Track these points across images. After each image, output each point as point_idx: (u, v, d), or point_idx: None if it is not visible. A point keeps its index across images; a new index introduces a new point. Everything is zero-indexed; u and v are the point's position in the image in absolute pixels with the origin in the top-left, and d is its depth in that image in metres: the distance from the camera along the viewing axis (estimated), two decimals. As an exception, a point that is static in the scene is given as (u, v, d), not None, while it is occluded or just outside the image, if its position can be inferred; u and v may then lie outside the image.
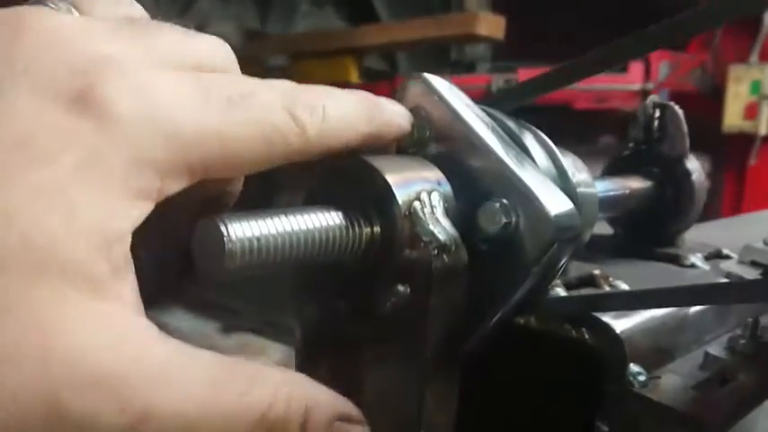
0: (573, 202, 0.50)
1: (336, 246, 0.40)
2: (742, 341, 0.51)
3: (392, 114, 0.45)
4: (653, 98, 0.68)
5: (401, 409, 0.43)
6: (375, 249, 0.42)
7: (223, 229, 0.35)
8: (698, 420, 0.44)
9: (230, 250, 0.35)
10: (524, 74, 2.76)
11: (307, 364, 0.47)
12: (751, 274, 0.47)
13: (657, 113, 0.67)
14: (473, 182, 0.44)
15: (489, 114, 0.48)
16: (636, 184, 0.67)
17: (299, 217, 0.38)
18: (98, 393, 0.29)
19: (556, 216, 0.42)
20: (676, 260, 0.65)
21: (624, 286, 0.56)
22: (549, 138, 0.51)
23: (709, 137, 3.04)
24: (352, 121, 0.41)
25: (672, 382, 0.49)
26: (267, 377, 0.34)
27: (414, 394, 0.42)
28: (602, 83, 3.01)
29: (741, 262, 0.49)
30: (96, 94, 0.32)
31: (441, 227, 0.41)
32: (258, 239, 0.36)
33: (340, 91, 0.42)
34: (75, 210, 0.30)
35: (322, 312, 0.46)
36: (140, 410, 0.29)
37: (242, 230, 0.35)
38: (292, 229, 0.38)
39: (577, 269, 0.57)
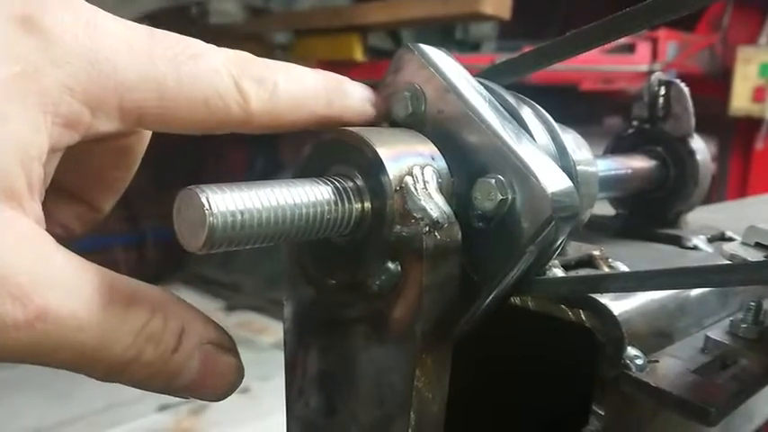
0: (572, 180, 0.49)
1: (325, 221, 0.38)
2: (743, 325, 0.50)
3: (355, 99, 0.44)
4: (658, 75, 0.66)
5: (392, 388, 0.41)
6: (365, 225, 0.40)
7: (205, 201, 0.33)
8: (697, 405, 0.43)
9: (212, 224, 0.33)
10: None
11: (297, 341, 0.46)
12: (755, 255, 0.45)
13: (662, 91, 0.65)
14: (469, 157, 0.42)
15: (487, 87, 0.46)
16: (638, 163, 0.65)
17: (285, 191, 0.37)
18: (1, 290, 0.31)
19: (553, 193, 0.40)
20: (678, 242, 0.64)
21: (623, 268, 0.55)
22: (555, 119, 0.49)
23: (716, 120, 3.01)
24: (307, 101, 0.41)
25: (671, 365, 0.47)
26: (148, 294, 0.37)
27: (404, 374, 0.41)
28: (609, 63, 2.97)
29: (744, 243, 0.47)
30: (47, 19, 0.34)
31: (433, 203, 0.39)
32: (242, 213, 0.34)
33: (301, 69, 0.42)
34: (4, 119, 0.32)
35: (312, 290, 0.44)
36: (39, 308, 0.32)
37: (225, 203, 0.34)
38: (278, 204, 0.36)
39: (576, 250, 0.55)
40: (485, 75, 0.50)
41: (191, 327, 0.38)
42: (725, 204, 0.91)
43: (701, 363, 0.48)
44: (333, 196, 0.39)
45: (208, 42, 0.39)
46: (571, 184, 0.42)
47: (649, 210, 0.67)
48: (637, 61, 2.91)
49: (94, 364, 0.35)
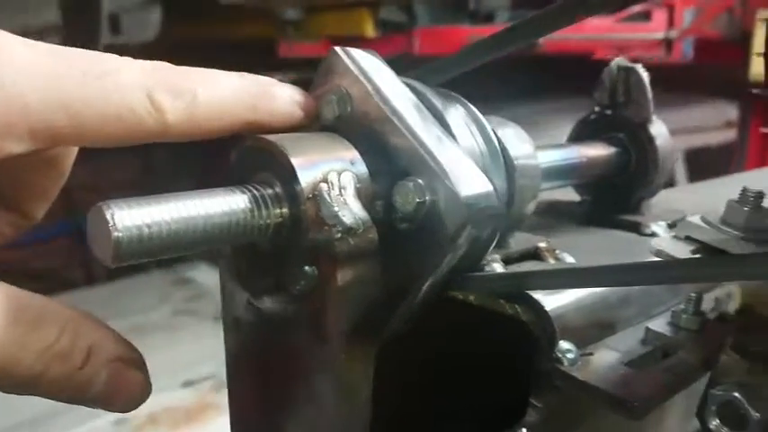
0: (509, 175, 0.50)
1: (241, 229, 0.40)
2: (684, 316, 0.50)
3: (282, 103, 0.44)
4: (618, 61, 0.65)
5: (318, 388, 0.43)
6: (285, 231, 0.41)
7: (109, 217, 0.35)
8: (621, 398, 0.43)
9: (117, 239, 0.35)
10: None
11: (236, 344, 0.47)
12: (683, 250, 0.45)
13: (622, 77, 0.65)
14: (391, 160, 0.43)
15: (414, 89, 0.46)
16: (598, 150, 0.65)
17: (197, 201, 0.38)
18: None
19: (467, 197, 0.41)
20: (637, 228, 0.64)
21: (570, 259, 0.55)
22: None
23: (736, 86, 2.94)
24: (231, 108, 0.42)
25: (605, 358, 0.48)
26: (57, 313, 0.38)
27: (327, 374, 0.42)
28: (624, 32, 2.92)
29: (676, 237, 0.47)
30: None
31: (347, 209, 0.40)
32: (149, 227, 0.36)
33: (226, 76, 0.42)
34: None
35: (245, 294, 0.46)
36: None
37: (130, 218, 0.35)
38: (189, 215, 0.37)
39: (524, 241, 0.56)
40: (419, 74, 0.50)
41: (99, 344, 0.40)
42: (709, 183, 0.90)
43: (639, 354, 0.49)
44: (249, 204, 0.40)
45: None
46: (489, 188, 0.42)
47: (612, 196, 0.67)
48: (653, 29, 2.85)
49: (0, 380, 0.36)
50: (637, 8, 2.82)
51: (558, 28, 0.52)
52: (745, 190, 0.46)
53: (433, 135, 0.43)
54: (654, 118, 0.65)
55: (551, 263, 0.55)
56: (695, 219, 0.46)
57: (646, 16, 2.89)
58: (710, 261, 0.42)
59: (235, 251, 0.45)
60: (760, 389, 0.41)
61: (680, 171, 3.51)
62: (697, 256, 0.45)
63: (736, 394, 0.41)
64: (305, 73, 3.06)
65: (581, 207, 0.70)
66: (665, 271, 0.42)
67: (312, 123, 0.47)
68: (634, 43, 2.98)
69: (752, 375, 0.42)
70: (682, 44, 2.84)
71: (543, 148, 0.59)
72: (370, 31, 2.92)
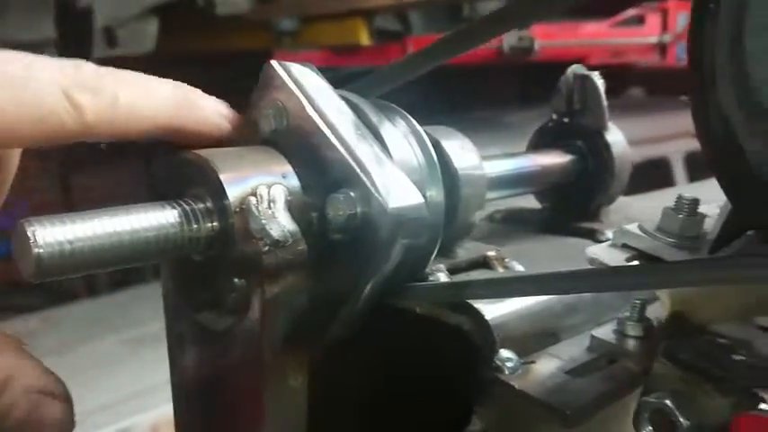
0: (453, 186, 0.50)
1: (171, 244, 0.40)
2: (629, 323, 0.50)
3: (205, 112, 0.45)
4: (574, 68, 0.66)
5: (249, 399, 0.43)
6: (217, 244, 0.42)
7: (31, 234, 0.35)
8: (555, 407, 0.44)
9: (38, 255, 0.35)
10: (539, 30, 2.70)
11: (177, 352, 0.48)
12: (618, 258, 0.46)
13: (578, 85, 0.65)
14: (325, 173, 0.44)
15: (350, 102, 0.47)
16: (555, 158, 0.65)
17: (123, 218, 0.38)
18: None
19: (395, 209, 0.41)
20: (592, 235, 0.64)
21: (519, 268, 0.56)
22: None
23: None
24: (153, 112, 0.42)
25: (547, 366, 0.48)
26: None
27: (257, 385, 0.42)
28: (618, 36, 2.92)
29: (613, 245, 0.47)
30: None
31: (275, 222, 0.41)
32: (71, 243, 0.36)
33: (150, 80, 0.42)
34: None
35: (185, 304, 0.46)
36: None
37: (53, 235, 0.36)
38: (114, 231, 0.38)
39: (475, 250, 0.56)
40: (359, 86, 0.51)
41: (17, 375, 0.39)
42: (680, 188, 0.90)
43: (582, 362, 0.49)
44: (178, 218, 0.40)
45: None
46: (419, 200, 0.43)
47: (570, 203, 0.68)
48: (647, 33, 2.85)
49: None
50: (631, 11, 2.83)
51: (508, 29, 0.51)
52: (680, 197, 0.46)
53: (366, 148, 0.43)
54: (610, 125, 0.66)
55: (500, 272, 0.55)
56: (632, 226, 0.47)
57: (640, 20, 2.89)
58: (639, 269, 0.43)
59: (173, 263, 0.46)
60: (690, 396, 0.41)
61: (680, 173, 3.50)
62: (630, 263, 0.45)
63: (667, 402, 0.41)
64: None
65: (540, 214, 0.70)
66: (595, 279, 0.42)
67: (243, 137, 0.47)
68: (628, 48, 2.98)
69: (683, 383, 0.42)
70: (676, 48, 2.84)
71: (494, 158, 0.60)
72: (365, 39, 2.93)
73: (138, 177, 4.45)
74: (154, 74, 0.45)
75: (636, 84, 3.51)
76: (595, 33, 2.87)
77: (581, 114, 0.66)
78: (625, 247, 0.46)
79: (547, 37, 2.72)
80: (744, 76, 0.30)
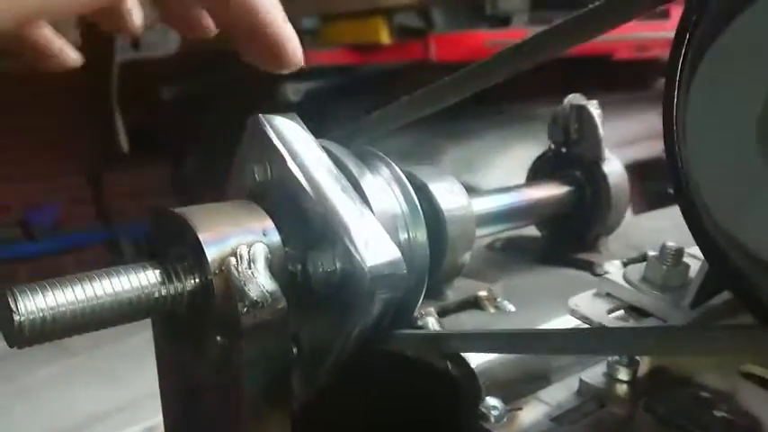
0: (440, 228, 0.50)
1: (152, 303, 0.41)
2: (619, 366, 0.50)
3: None
4: (571, 98, 0.65)
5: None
6: (198, 302, 0.42)
7: (12, 303, 0.36)
8: (537, 459, 0.44)
9: (19, 323, 0.36)
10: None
11: (167, 400, 0.49)
12: (599, 311, 0.45)
13: (574, 115, 0.65)
14: (306, 226, 0.44)
15: (331, 155, 0.47)
16: (551, 190, 0.65)
17: (105, 282, 0.39)
18: None
19: (372, 267, 0.41)
20: (590, 268, 0.64)
21: (510, 307, 0.56)
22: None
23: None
24: None
25: (533, 413, 0.48)
26: None
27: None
28: (643, 31, 2.87)
29: (597, 294, 0.47)
30: None
31: (254, 283, 0.41)
32: (52, 310, 0.37)
33: None
34: None
35: (174, 353, 0.47)
36: None
37: (33, 303, 0.37)
38: (95, 295, 0.39)
39: (465, 290, 0.56)
40: (346, 135, 0.51)
41: None
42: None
43: (570, 407, 0.49)
44: (159, 278, 0.41)
45: None
46: (396, 255, 0.43)
47: (568, 233, 0.67)
48: (672, 27, 2.79)
49: None
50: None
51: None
52: (664, 246, 0.46)
53: (347, 202, 0.44)
54: (608, 155, 0.65)
55: (491, 311, 0.55)
56: (617, 276, 0.47)
57: (664, 15, 2.84)
58: (614, 332, 0.42)
59: (161, 317, 0.47)
60: (669, 452, 0.41)
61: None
62: (614, 315, 0.45)
63: (647, 457, 0.41)
64: (322, 82, 3.08)
65: (539, 243, 0.70)
66: (574, 342, 0.42)
67: None
68: (654, 42, 2.93)
69: (662, 437, 0.42)
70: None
71: (487, 194, 0.60)
72: (385, 38, 2.92)
73: (167, 174, 4.52)
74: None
75: (662, 76, 3.45)
76: (621, 28, 2.82)
77: (578, 144, 0.65)
78: (609, 296, 0.46)
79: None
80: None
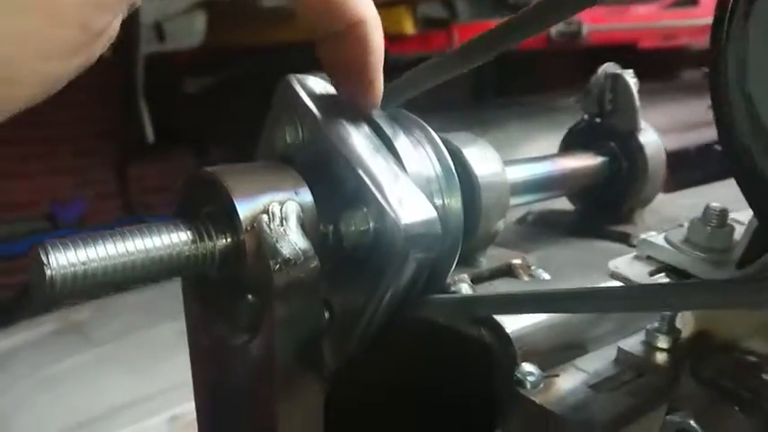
0: (473, 194, 0.49)
1: (184, 261, 0.40)
2: (658, 334, 0.49)
3: None
4: (606, 67, 0.64)
5: (263, 420, 0.43)
6: (230, 262, 0.42)
7: (44, 257, 0.36)
8: (576, 423, 0.43)
9: (51, 278, 0.36)
10: (586, 14, 2.63)
11: (197, 365, 0.48)
12: (641, 272, 0.44)
13: (609, 85, 0.63)
14: (340, 188, 0.43)
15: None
16: (586, 161, 0.64)
17: (137, 238, 0.39)
18: None
19: (407, 225, 0.40)
20: (626, 239, 0.62)
21: (545, 276, 0.54)
22: None
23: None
24: None
25: (571, 380, 0.47)
26: None
27: (278, 407, 0.42)
28: (669, 19, 2.83)
29: (637, 257, 0.46)
30: None
31: (287, 240, 0.40)
32: (84, 265, 0.37)
33: None
34: None
35: (203, 317, 0.47)
36: None
37: (66, 258, 0.36)
38: (128, 251, 0.38)
39: (499, 258, 0.55)
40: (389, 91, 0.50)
41: None
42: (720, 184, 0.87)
43: (608, 376, 0.48)
44: (191, 237, 0.40)
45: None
46: (432, 214, 0.42)
47: (603, 205, 0.66)
48: (700, 14, 2.75)
49: None
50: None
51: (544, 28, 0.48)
52: (708, 207, 0.44)
53: (380, 162, 0.43)
54: (644, 125, 0.64)
55: (525, 280, 0.54)
56: (658, 237, 0.45)
57: (693, 2, 2.80)
58: (660, 288, 0.41)
59: (192, 280, 0.46)
60: (715, 417, 0.40)
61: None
62: (655, 278, 0.44)
63: (691, 422, 0.40)
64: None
65: (572, 216, 0.68)
66: (616, 299, 0.40)
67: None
68: (681, 30, 2.89)
69: (708, 403, 0.40)
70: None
71: (519, 162, 0.59)
72: (409, 28, 2.91)
73: (190, 165, 4.55)
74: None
75: (690, 66, 3.40)
76: (646, 16, 2.78)
77: (613, 115, 0.64)
78: (650, 259, 0.45)
79: (595, 21, 2.65)
80: (755, 115, 0.29)
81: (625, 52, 2.88)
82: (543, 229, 0.68)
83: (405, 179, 0.43)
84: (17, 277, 3.47)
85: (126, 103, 2.89)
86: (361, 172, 0.42)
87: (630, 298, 0.40)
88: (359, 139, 0.44)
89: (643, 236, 0.62)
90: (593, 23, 2.61)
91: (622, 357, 0.49)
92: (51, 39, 0.31)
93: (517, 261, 0.54)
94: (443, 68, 0.50)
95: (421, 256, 0.42)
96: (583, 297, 0.41)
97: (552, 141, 0.70)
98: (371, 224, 0.41)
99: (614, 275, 0.44)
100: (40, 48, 0.30)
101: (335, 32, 0.42)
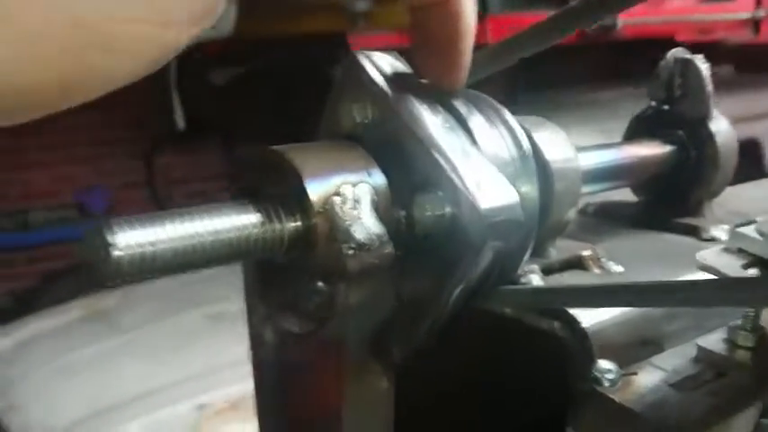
0: (545, 180, 0.47)
1: (252, 245, 0.38)
2: (741, 332, 0.46)
3: None
4: (675, 52, 0.61)
5: (338, 411, 0.41)
6: (299, 245, 0.40)
7: (109, 236, 0.34)
8: (659, 424, 0.40)
9: (118, 258, 0.34)
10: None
11: (257, 350, 0.46)
12: (732, 265, 0.41)
13: (679, 70, 0.60)
14: (412, 170, 0.41)
15: (436, 93, 0.44)
16: (653, 149, 0.61)
17: (205, 218, 0.37)
18: None
19: (488, 209, 0.38)
20: (696, 232, 0.59)
21: (616, 268, 0.52)
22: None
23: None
24: None
25: (650, 379, 0.45)
26: None
27: (345, 395, 0.40)
28: (706, 12, 2.77)
29: (726, 249, 0.43)
30: None
31: (360, 224, 0.38)
32: (152, 245, 0.35)
33: None
34: None
35: (265, 307, 0.45)
36: None
37: (133, 238, 0.34)
38: (196, 233, 0.36)
39: (568, 249, 0.52)
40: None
41: None
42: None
43: (687, 374, 0.45)
44: (260, 219, 0.38)
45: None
46: (514, 198, 0.39)
47: (670, 196, 0.63)
48: (737, 9, 2.69)
49: None
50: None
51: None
52: (805, 196, 0.41)
53: (455, 142, 0.41)
54: (715, 113, 0.61)
55: (595, 272, 0.52)
56: (749, 229, 0.42)
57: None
58: (759, 282, 0.38)
59: (254, 265, 0.44)
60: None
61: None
62: (748, 272, 0.41)
63: (790, 426, 0.37)
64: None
65: (635, 208, 0.65)
66: (710, 293, 0.38)
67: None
68: (718, 24, 2.83)
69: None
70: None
71: (588, 149, 0.56)
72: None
73: (217, 156, 4.55)
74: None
75: (725, 61, 3.34)
76: (682, 9, 2.73)
77: (682, 101, 0.61)
78: (741, 252, 0.42)
79: (630, 14, 2.60)
80: None
81: (659, 47, 2.84)
82: (605, 220, 0.65)
83: (482, 160, 0.41)
84: (41, 266, 3.49)
85: (156, 92, 2.89)
86: (435, 153, 0.40)
87: (724, 291, 0.38)
88: (432, 119, 0.41)
89: (713, 230, 0.59)
90: (628, 17, 2.57)
91: (702, 355, 0.46)
92: (174, 4, 0.28)
93: (587, 253, 0.52)
94: (498, 57, 0.48)
95: (499, 244, 0.39)
96: (670, 290, 0.38)
97: (586, 136, 0.67)
98: (447, 209, 0.39)
99: (704, 268, 0.42)
100: (160, 13, 0.27)
101: (428, 6, 0.40)
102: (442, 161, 0.39)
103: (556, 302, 0.43)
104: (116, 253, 0.34)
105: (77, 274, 4.03)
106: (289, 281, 0.42)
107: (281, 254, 0.40)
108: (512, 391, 0.49)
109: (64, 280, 4.00)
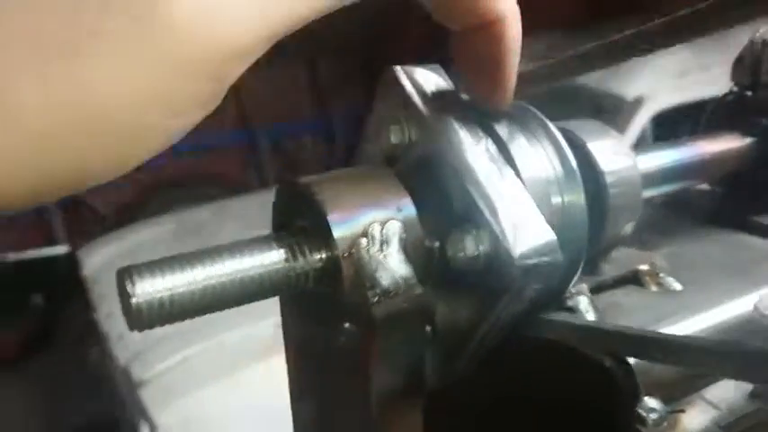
0: (600, 195, 0.44)
1: (276, 283, 0.37)
2: (808, 367, 0.42)
3: None
4: (763, 32, 0.55)
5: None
6: (325, 280, 0.38)
7: (129, 286, 0.34)
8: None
9: (137, 305, 0.34)
10: None
11: (294, 375, 0.46)
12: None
13: (767, 53, 0.54)
14: (447, 199, 0.39)
15: (479, 114, 0.41)
16: (730, 143, 0.56)
17: (227, 259, 0.36)
18: None
19: (521, 254, 0.36)
20: (775, 236, 0.55)
21: (676, 286, 0.48)
22: None
23: None
24: None
25: (699, 418, 0.42)
26: None
27: (366, 423, 0.40)
28: None
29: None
30: None
31: (386, 269, 0.36)
32: (170, 290, 0.34)
33: None
34: None
35: (303, 329, 0.44)
36: None
37: (152, 285, 0.34)
38: (218, 274, 0.36)
39: (624, 263, 0.49)
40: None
41: None
42: None
43: (743, 414, 0.42)
44: (286, 255, 0.37)
45: None
46: (551, 238, 0.37)
47: (749, 190, 0.58)
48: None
49: None
50: None
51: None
52: None
53: (493, 175, 0.38)
54: (806, 102, 0.55)
55: (653, 289, 0.48)
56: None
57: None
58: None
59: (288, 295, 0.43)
60: None
61: None
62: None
63: None
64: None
65: (710, 199, 0.61)
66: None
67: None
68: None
69: None
70: None
71: (651, 150, 0.52)
72: None
73: (301, 78, 4.55)
74: None
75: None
76: None
77: (767, 87, 0.55)
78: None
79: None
80: None
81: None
82: (674, 212, 0.61)
83: (521, 194, 0.38)
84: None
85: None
86: (471, 189, 0.37)
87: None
88: (471, 145, 0.39)
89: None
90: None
91: (759, 391, 0.43)
92: (182, 94, 0.28)
93: (644, 267, 0.48)
94: (544, 77, 0.44)
95: (537, 286, 0.37)
96: (724, 354, 0.35)
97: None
98: (481, 248, 0.37)
99: (764, 318, 0.38)
100: (169, 104, 0.28)
101: (470, 28, 0.37)
102: (478, 200, 0.37)
103: (599, 345, 0.40)
104: (134, 300, 0.34)
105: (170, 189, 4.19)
106: (321, 313, 0.41)
107: (309, 287, 0.39)
108: (552, 416, 0.47)
109: (159, 195, 4.16)
